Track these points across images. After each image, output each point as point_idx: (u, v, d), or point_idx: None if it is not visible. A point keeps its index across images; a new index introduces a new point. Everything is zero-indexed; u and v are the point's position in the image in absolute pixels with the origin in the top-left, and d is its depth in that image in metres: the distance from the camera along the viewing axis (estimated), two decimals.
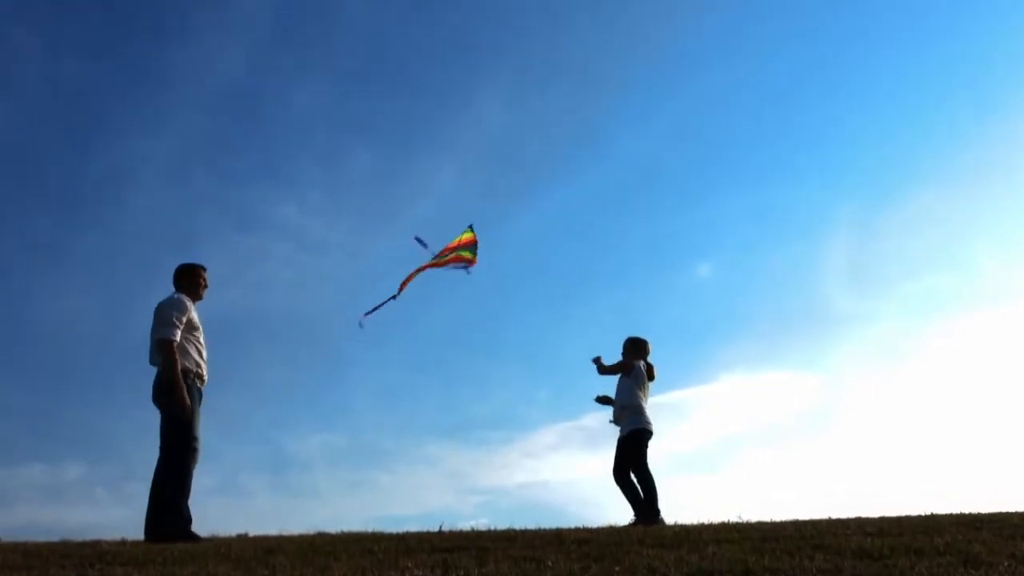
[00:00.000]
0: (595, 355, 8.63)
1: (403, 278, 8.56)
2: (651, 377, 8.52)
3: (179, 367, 6.02)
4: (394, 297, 8.32)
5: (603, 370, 8.57)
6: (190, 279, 6.43)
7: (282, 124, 23.45)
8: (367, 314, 8.17)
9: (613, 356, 8.68)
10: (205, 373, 6.29)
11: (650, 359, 8.62)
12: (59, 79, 21.57)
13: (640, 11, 25.32)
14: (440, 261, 8.78)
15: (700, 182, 25.00)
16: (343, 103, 24.05)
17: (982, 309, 21.96)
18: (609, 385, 8.65)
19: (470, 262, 8.92)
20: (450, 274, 8.96)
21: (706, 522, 6.44)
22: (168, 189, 21.87)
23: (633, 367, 8.46)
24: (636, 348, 8.62)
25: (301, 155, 23.65)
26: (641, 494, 7.99)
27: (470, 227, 9.00)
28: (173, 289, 6.39)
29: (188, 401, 5.98)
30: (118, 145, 22.48)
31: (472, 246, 8.93)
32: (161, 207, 21.60)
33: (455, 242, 8.94)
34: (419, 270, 8.66)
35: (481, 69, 25.29)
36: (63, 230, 20.79)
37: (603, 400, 8.62)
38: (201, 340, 6.31)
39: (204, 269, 6.53)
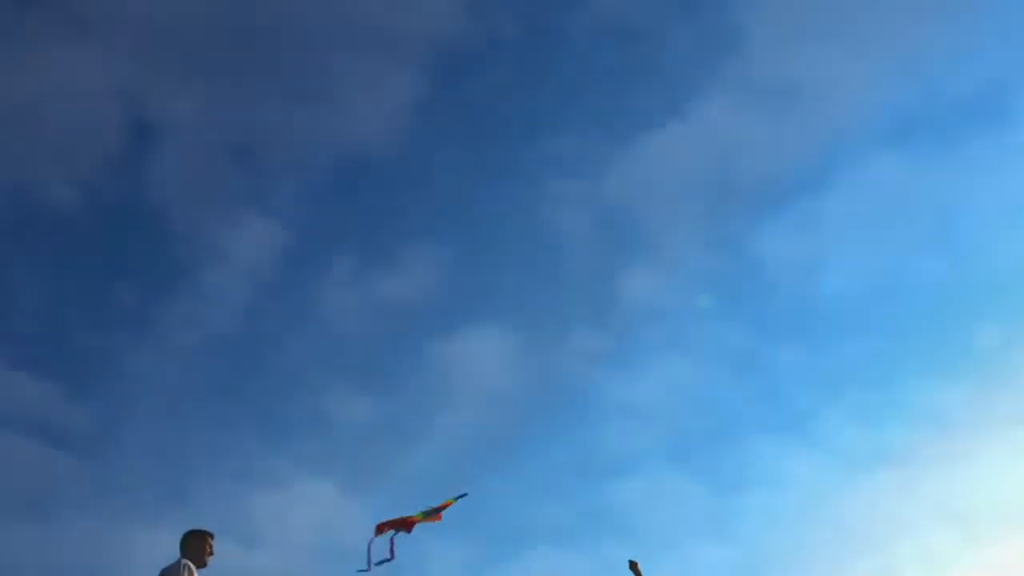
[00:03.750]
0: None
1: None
2: None
3: None
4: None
5: None
6: (198, 545, 6.20)
7: (278, 375, 24.02)
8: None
9: None
10: None
11: None
12: (56, 327, 21.50)
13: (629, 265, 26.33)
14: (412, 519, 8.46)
15: (701, 458, 25.48)
16: (338, 354, 24.90)
17: None
18: None
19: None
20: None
21: None
22: (161, 435, 22.08)
23: None
24: None
25: (297, 406, 24.18)
26: None
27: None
28: (179, 554, 6.14)
29: None
30: (113, 389, 22.45)
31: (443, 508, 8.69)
32: (155, 453, 21.75)
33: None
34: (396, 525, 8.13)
35: (476, 321, 26.16)
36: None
37: None
38: None
39: (212, 536, 6.33)
